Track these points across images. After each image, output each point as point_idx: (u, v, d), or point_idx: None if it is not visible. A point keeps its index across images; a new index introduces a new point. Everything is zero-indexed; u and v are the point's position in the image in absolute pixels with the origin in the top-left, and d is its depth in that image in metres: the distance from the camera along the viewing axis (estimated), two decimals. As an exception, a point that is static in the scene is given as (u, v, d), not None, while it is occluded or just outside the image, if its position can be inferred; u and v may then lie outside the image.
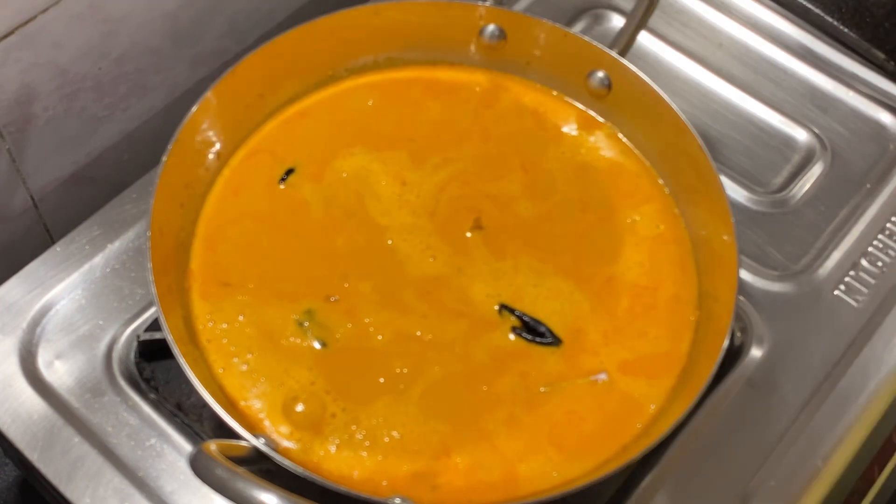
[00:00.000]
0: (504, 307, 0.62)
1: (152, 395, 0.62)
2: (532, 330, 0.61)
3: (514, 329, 0.62)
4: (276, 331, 0.60)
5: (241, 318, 0.61)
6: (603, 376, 0.60)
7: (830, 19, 0.83)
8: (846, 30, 0.82)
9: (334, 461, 0.57)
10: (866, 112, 0.79)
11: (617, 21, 0.82)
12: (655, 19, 0.77)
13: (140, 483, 0.59)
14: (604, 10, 0.83)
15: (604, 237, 0.66)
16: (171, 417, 0.62)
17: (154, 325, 0.64)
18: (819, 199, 0.74)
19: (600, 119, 0.71)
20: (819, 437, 0.63)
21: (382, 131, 0.69)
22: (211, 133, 0.65)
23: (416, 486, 0.56)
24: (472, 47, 0.71)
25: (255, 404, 0.58)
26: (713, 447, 0.63)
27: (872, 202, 0.74)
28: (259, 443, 0.53)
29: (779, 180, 0.76)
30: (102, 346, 0.64)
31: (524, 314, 0.62)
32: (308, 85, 0.70)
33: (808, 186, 0.75)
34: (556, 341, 0.61)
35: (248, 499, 0.48)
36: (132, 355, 0.64)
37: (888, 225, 0.73)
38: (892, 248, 0.72)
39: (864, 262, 0.71)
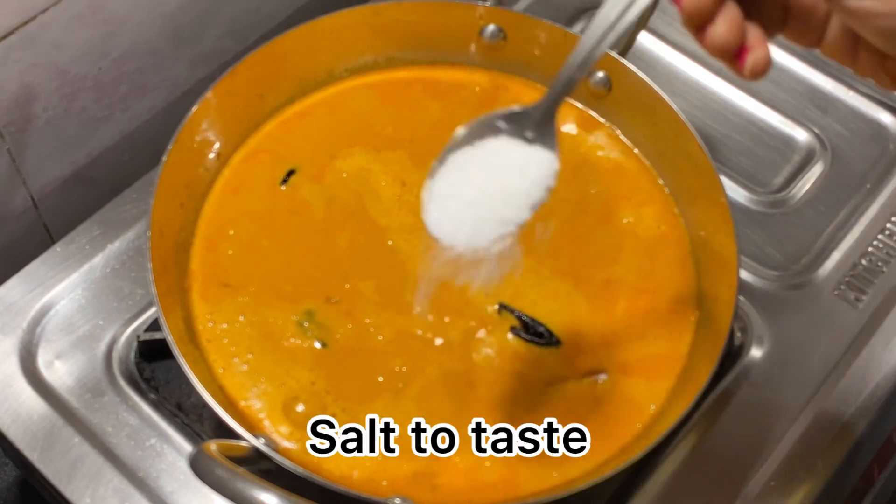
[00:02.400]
0: (504, 307, 0.62)
1: (152, 395, 0.62)
2: (531, 330, 0.61)
3: (512, 329, 0.61)
4: (277, 331, 0.60)
5: (241, 318, 0.61)
6: (603, 376, 0.60)
7: (830, 19, 0.83)
8: (846, 30, 0.82)
9: (334, 461, 0.57)
10: (866, 112, 0.79)
11: (617, 21, 0.82)
12: (655, 19, 0.77)
13: (140, 483, 0.59)
14: (604, 10, 0.83)
15: (603, 238, 0.66)
16: (171, 417, 0.62)
17: (154, 325, 0.64)
18: (819, 199, 0.74)
19: (600, 119, 0.71)
20: (819, 437, 0.63)
21: (382, 131, 0.69)
22: (211, 133, 0.65)
23: (416, 486, 0.56)
24: (472, 47, 0.71)
25: (255, 404, 0.58)
26: (713, 447, 0.63)
27: (872, 202, 0.74)
28: (259, 443, 0.53)
29: (779, 180, 0.76)
30: (102, 346, 0.64)
31: (523, 314, 0.62)
32: (308, 85, 0.70)
33: (808, 186, 0.75)
34: (555, 342, 0.61)
35: (248, 499, 0.48)
36: (132, 355, 0.64)
37: (888, 225, 0.73)
38: (892, 248, 0.71)
39: (864, 262, 0.71)
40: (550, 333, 0.61)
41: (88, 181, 0.77)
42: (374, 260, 0.64)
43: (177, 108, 0.79)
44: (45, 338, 0.64)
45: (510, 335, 0.61)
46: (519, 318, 0.62)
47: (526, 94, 0.71)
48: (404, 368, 0.59)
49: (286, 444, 0.57)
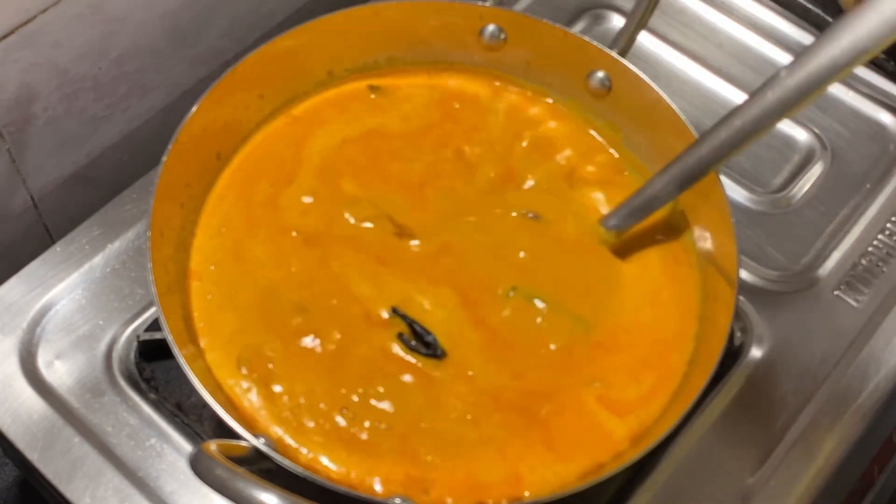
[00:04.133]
0: (396, 312, 0.60)
1: (152, 395, 0.62)
2: (419, 338, 0.59)
3: (400, 336, 0.60)
4: (277, 332, 0.60)
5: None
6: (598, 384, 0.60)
7: (830, 19, 0.83)
8: (846, 30, 0.82)
9: (334, 461, 0.56)
10: (866, 112, 0.79)
11: (617, 21, 0.82)
12: (655, 19, 0.76)
13: (140, 483, 0.59)
14: (604, 10, 0.83)
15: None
16: (171, 417, 0.62)
17: (154, 325, 0.64)
18: (819, 199, 0.74)
19: (600, 119, 0.71)
20: (819, 437, 0.63)
21: (382, 133, 0.69)
22: (211, 133, 0.65)
23: (416, 485, 0.56)
24: (473, 47, 0.71)
25: (255, 404, 0.58)
26: (713, 447, 0.63)
27: (872, 202, 0.74)
28: (259, 443, 0.53)
29: (779, 180, 0.76)
30: (102, 346, 0.64)
31: (415, 322, 0.59)
32: (308, 85, 0.70)
33: (808, 186, 0.75)
34: (440, 354, 0.59)
35: (248, 499, 0.48)
36: (132, 355, 0.64)
37: (888, 225, 0.73)
38: (892, 248, 0.72)
39: (864, 262, 0.71)
40: (437, 345, 0.59)
41: (88, 181, 0.77)
42: (371, 260, 0.64)
43: (177, 108, 0.79)
44: (45, 338, 0.64)
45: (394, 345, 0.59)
46: (410, 325, 0.60)
47: (526, 95, 0.71)
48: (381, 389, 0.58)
49: (286, 443, 0.57)
